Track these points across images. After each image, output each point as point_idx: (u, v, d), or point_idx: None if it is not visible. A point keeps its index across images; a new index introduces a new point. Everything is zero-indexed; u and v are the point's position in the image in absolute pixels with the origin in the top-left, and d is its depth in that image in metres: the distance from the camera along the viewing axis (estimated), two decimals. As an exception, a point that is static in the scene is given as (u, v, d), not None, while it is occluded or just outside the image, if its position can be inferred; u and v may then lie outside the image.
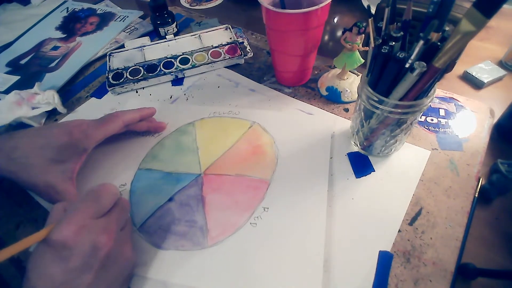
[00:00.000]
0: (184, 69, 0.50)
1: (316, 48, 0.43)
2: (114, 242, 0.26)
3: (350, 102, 0.44)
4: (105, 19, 0.66)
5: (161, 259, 0.32)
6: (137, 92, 0.50)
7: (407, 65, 0.26)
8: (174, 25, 0.59)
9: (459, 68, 0.50)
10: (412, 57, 0.26)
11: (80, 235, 0.24)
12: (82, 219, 0.25)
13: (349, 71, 0.45)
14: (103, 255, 0.25)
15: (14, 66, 0.57)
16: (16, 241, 0.34)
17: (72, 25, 0.65)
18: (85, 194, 0.27)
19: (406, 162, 0.38)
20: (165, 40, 0.56)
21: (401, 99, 0.29)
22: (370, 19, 0.29)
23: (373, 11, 0.49)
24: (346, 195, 0.35)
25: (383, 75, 0.29)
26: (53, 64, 0.56)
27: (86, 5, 0.71)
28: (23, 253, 0.33)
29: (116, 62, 0.53)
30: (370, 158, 0.38)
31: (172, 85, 0.50)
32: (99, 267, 0.25)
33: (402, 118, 0.31)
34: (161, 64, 0.51)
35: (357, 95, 0.33)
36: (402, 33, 0.27)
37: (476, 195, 0.36)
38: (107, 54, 0.53)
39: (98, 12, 0.68)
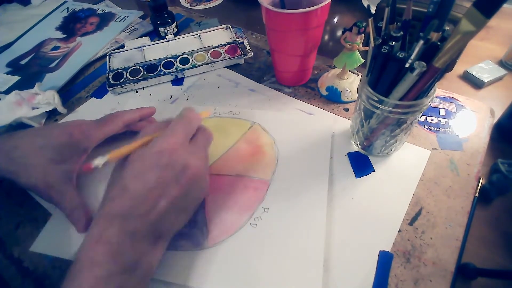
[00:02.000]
0: (184, 69, 0.50)
1: (316, 48, 0.43)
2: (200, 166, 0.28)
3: (350, 102, 0.44)
4: (105, 19, 0.66)
5: (161, 259, 0.32)
6: (137, 92, 0.50)
7: (407, 65, 0.26)
8: (174, 25, 0.59)
9: (459, 67, 0.50)
10: (412, 57, 0.26)
11: (177, 151, 0.27)
12: (180, 138, 0.28)
13: (349, 71, 0.45)
14: (190, 175, 0.27)
15: (14, 66, 0.57)
16: (16, 241, 0.34)
17: (72, 25, 0.65)
18: (178, 117, 0.30)
19: (406, 162, 0.38)
20: (165, 40, 0.56)
21: (401, 99, 0.29)
22: (370, 19, 0.29)
23: (373, 11, 0.49)
24: (346, 195, 0.35)
25: (383, 75, 0.29)
26: (53, 64, 0.56)
27: (86, 5, 0.71)
28: (23, 253, 0.34)
29: (116, 62, 0.53)
30: (370, 158, 0.38)
31: (172, 85, 0.50)
32: (185, 184, 0.27)
33: (402, 118, 0.31)
34: (161, 64, 0.51)
35: (357, 95, 0.33)
36: (402, 33, 0.27)
37: (476, 195, 0.36)
38: (107, 54, 0.53)
39: (98, 12, 0.68)
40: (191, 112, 0.31)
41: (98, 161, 0.24)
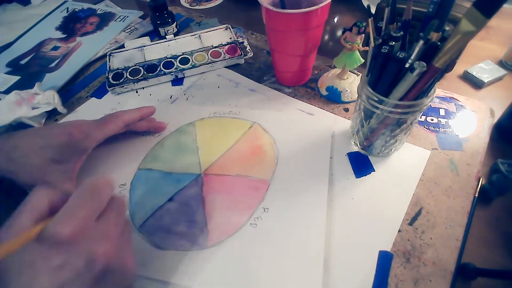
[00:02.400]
0: (184, 69, 0.50)
1: (316, 48, 0.43)
2: (113, 252, 0.22)
3: (350, 102, 0.44)
4: (105, 19, 0.66)
5: (161, 259, 0.32)
6: (137, 92, 0.50)
7: (407, 65, 0.26)
8: (174, 25, 0.59)
9: (459, 68, 0.50)
10: (412, 57, 0.26)
11: (77, 241, 0.21)
12: (81, 219, 0.21)
13: (349, 71, 0.45)
14: (99, 269, 0.21)
15: (14, 66, 0.57)
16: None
17: (72, 25, 0.65)
18: (82, 188, 0.23)
19: (406, 162, 0.38)
20: (165, 40, 0.56)
21: (401, 99, 0.29)
22: (370, 19, 0.29)
23: (373, 11, 0.49)
24: (346, 195, 0.35)
25: (383, 75, 0.29)
26: (53, 64, 0.56)
27: (86, 5, 0.71)
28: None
29: (116, 62, 0.53)
30: (370, 158, 0.38)
31: (172, 85, 0.50)
32: (93, 282, 0.21)
33: (402, 118, 0.31)
34: (161, 64, 0.51)
35: (357, 95, 0.33)
36: (402, 33, 0.27)
37: (476, 195, 0.36)
38: (107, 54, 0.53)
39: (98, 12, 0.68)
40: (102, 180, 0.24)
41: None
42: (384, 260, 0.31)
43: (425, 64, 0.25)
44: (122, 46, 0.58)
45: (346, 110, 0.44)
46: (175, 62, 0.51)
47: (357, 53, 0.41)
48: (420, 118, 0.42)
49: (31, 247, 0.20)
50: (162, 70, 0.50)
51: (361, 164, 0.38)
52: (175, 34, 0.59)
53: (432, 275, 0.30)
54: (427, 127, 0.41)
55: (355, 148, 0.39)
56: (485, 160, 0.38)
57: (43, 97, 0.46)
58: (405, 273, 0.30)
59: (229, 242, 0.32)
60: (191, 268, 0.31)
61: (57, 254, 0.20)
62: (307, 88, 0.47)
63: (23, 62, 0.58)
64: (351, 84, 0.45)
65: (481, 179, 0.37)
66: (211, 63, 0.51)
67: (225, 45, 0.53)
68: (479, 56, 0.52)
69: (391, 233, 0.32)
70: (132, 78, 0.50)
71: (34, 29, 0.66)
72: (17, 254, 0.20)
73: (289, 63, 0.44)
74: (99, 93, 0.50)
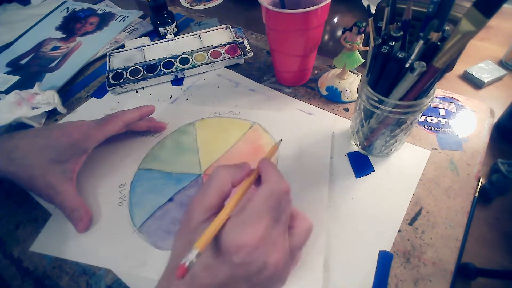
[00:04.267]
0: (184, 69, 0.50)
1: (316, 48, 0.43)
2: (281, 262, 0.23)
3: (350, 102, 0.44)
4: (105, 19, 0.66)
5: (161, 259, 0.32)
6: (137, 92, 0.50)
7: (407, 65, 0.26)
8: (174, 25, 0.59)
9: (459, 67, 0.50)
10: (412, 57, 0.26)
11: (257, 249, 0.22)
12: (264, 229, 0.22)
13: (349, 71, 0.45)
14: (266, 275, 0.22)
15: (14, 66, 0.57)
16: (16, 241, 0.34)
17: (72, 25, 0.65)
18: (269, 193, 0.24)
19: (406, 162, 0.38)
20: (165, 40, 0.56)
21: (401, 99, 0.29)
22: (370, 19, 0.29)
23: (373, 11, 0.49)
24: (346, 195, 0.35)
25: (383, 75, 0.29)
26: (53, 64, 0.56)
27: (86, 5, 0.71)
28: (23, 253, 0.34)
29: (116, 62, 0.53)
30: (370, 158, 0.38)
31: (172, 85, 0.50)
32: (256, 285, 0.23)
33: (402, 118, 0.31)
34: (161, 64, 0.51)
35: (357, 95, 0.33)
36: (402, 33, 0.27)
37: (476, 195, 0.36)
38: (107, 54, 0.53)
39: (98, 12, 0.68)
40: (283, 186, 0.24)
41: (190, 258, 0.20)
42: (384, 260, 0.31)
43: (425, 64, 0.25)
44: (122, 46, 0.58)
45: (346, 110, 0.44)
46: (175, 62, 0.51)
47: (357, 53, 0.41)
48: (420, 118, 0.42)
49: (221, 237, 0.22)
50: (162, 70, 0.50)
51: (361, 164, 0.38)
52: (175, 34, 0.59)
53: (432, 275, 0.30)
54: (427, 127, 0.41)
55: (355, 148, 0.39)
56: (485, 160, 0.38)
57: (43, 97, 0.46)
58: (405, 273, 0.30)
59: (229, 242, 0.32)
60: (191, 268, 0.31)
61: (239, 253, 0.21)
62: (307, 88, 0.47)
63: (23, 62, 0.58)
64: (351, 84, 0.45)
65: (481, 179, 0.37)
66: (211, 63, 0.51)
67: (225, 45, 0.53)
68: (479, 56, 0.52)
69: (391, 233, 0.32)
70: (132, 78, 0.50)
71: (34, 29, 0.66)
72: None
73: (289, 63, 0.44)
74: (99, 93, 0.50)
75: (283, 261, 0.23)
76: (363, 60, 0.41)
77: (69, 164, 0.35)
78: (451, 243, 0.31)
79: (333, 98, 0.45)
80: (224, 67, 0.52)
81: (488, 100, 0.46)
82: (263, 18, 0.40)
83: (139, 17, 0.66)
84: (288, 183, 0.25)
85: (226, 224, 0.23)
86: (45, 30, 0.65)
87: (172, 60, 0.51)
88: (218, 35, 0.56)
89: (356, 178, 0.37)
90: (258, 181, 0.27)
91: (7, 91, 0.51)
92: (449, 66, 0.48)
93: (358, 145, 0.38)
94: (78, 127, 0.35)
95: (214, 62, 0.51)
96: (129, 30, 0.62)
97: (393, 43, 0.27)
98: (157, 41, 0.56)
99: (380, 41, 0.28)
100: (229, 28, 0.57)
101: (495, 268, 0.33)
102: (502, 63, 0.51)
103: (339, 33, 0.61)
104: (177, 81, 0.51)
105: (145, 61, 0.52)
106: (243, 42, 0.54)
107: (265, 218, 0.22)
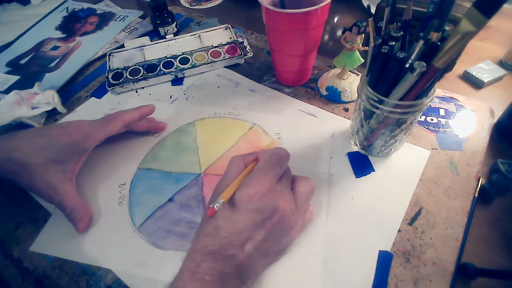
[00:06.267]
0: (184, 69, 0.50)
1: (316, 48, 0.43)
2: (288, 207, 0.28)
3: (350, 102, 0.44)
4: (105, 19, 0.66)
5: (161, 259, 0.32)
6: (137, 92, 0.50)
7: (407, 65, 0.26)
8: (174, 25, 0.59)
9: (459, 68, 0.50)
10: (412, 57, 0.26)
11: (267, 196, 0.27)
12: (270, 181, 0.28)
13: (349, 70, 0.45)
14: (277, 218, 0.27)
15: (14, 66, 0.57)
16: (16, 241, 0.34)
17: (72, 25, 0.65)
18: (269, 155, 0.30)
19: (406, 162, 0.38)
20: (165, 40, 0.56)
21: (401, 99, 0.29)
22: (370, 19, 0.29)
23: (373, 11, 0.49)
24: (346, 195, 0.35)
25: (383, 75, 0.29)
26: (53, 64, 0.56)
27: (86, 5, 0.71)
28: (23, 253, 0.34)
29: (116, 62, 0.53)
30: (370, 158, 0.38)
31: (172, 85, 0.50)
32: (270, 228, 0.27)
33: (402, 118, 0.31)
34: (161, 64, 0.51)
35: (357, 95, 0.33)
36: (402, 33, 0.27)
37: (476, 195, 0.36)
38: (107, 54, 0.53)
39: (98, 12, 0.68)
40: (282, 151, 0.31)
41: (217, 203, 0.26)
42: (384, 260, 0.31)
43: (425, 64, 0.25)
44: (122, 46, 0.58)
45: (346, 110, 0.44)
46: (175, 62, 0.51)
47: (357, 53, 0.41)
48: (420, 118, 0.42)
49: (237, 192, 0.28)
50: (162, 70, 0.50)
51: (361, 164, 0.38)
52: (175, 34, 0.59)
53: (432, 275, 0.30)
54: (427, 127, 0.41)
55: (355, 148, 0.39)
56: (485, 160, 0.38)
57: (43, 97, 0.46)
58: (405, 273, 0.30)
59: (229, 242, 0.32)
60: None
61: (253, 201, 0.27)
62: (307, 88, 0.47)
63: (23, 61, 0.58)
64: (351, 84, 0.45)
65: (481, 179, 0.37)
66: (211, 63, 0.51)
67: (225, 45, 0.53)
68: (479, 56, 0.52)
69: (391, 233, 0.32)
70: (132, 78, 0.50)
71: (34, 29, 0.66)
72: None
73: (289, 63, 0.44)
74: (99, 93, 0.50)
75: (290, 208, 0.28)
76: (363, 60, 0.41)
77: (69, 164, 0.35)
78: (451, 243, 0.31)
79: (333, 98, 0.45)
80: (224, 67, 0.52)
81: (488, 100, 0.46)
82: (263, 18, 0.40)
83: (139, 17, 0.66)
84: (288, 155, 0.31)
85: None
86: (45, 30, 0.65)
87: (172, 60, 0.51)
88: (218, 35, 0.56)
89: (356, 178, 0.37)
90: None
91: (7, 91, 0.51)
92: (449, 66, 0.48)
93: (358, 145, 0.38)
94: (78, 127, 0.35)
95: (214, 62, 0.51)
96: (129, 30, 0.62)
97: (393, 43, 0.27)
98: (157, 41, 0.56)
99: (380, 41, 0.28)
100: (229, 28, 0.57)
101: (495, 268, 0.33)
102: (502, 63, 0.51)
103: (339, 33, 0.61)
104: (177, 81, 0.51)
105: (145, 61, 0.52)
106: (243, 42, 0.54)
107: (270, 173, 0.28)
